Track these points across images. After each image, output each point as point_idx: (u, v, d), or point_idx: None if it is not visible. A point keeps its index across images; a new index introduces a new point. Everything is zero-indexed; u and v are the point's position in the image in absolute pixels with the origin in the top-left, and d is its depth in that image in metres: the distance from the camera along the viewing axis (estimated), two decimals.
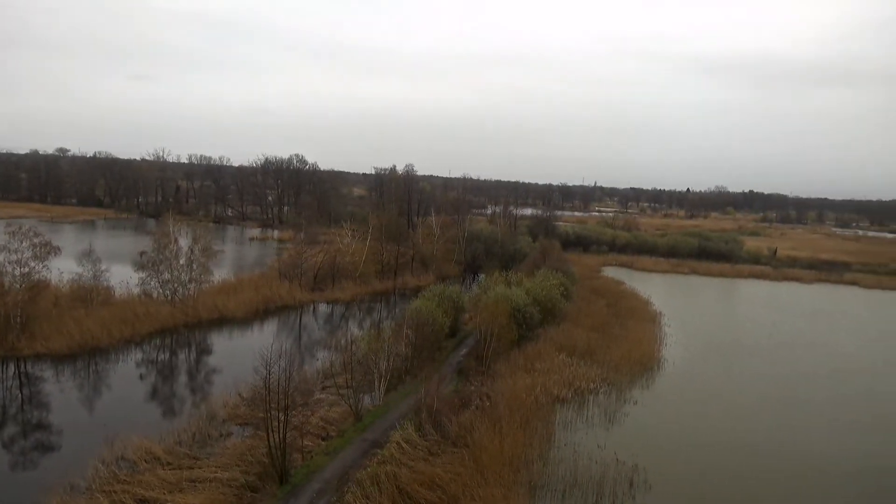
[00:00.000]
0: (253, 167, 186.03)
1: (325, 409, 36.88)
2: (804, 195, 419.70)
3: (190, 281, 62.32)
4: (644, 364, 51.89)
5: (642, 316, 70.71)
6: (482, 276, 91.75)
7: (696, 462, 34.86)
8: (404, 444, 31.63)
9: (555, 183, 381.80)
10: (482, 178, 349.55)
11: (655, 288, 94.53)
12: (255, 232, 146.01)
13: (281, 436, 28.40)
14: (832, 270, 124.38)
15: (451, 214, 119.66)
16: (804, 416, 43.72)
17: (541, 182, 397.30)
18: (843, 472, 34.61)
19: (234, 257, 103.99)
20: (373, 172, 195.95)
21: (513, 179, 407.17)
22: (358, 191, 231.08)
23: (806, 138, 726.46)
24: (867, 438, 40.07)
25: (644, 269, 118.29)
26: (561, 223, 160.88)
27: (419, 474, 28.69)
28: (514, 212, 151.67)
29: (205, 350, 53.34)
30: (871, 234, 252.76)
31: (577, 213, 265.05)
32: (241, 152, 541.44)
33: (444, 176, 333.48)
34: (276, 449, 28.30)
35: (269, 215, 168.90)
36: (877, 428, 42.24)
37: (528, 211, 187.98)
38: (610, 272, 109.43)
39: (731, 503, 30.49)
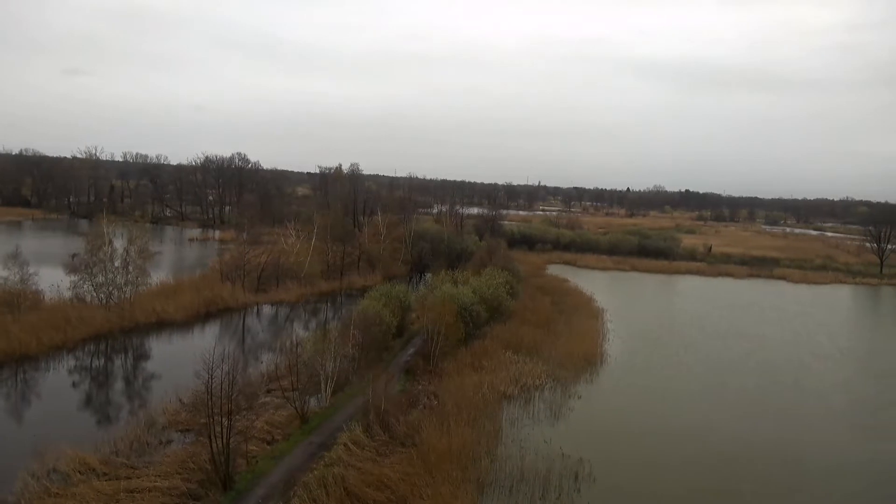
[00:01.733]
0: (192, 166, 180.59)
1: (271, 412, 36.21)
2: (736, 194, 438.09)
3: (126, 284, 59.94)
4: (588, 359, 53.11)
5: (586, 312, 72.35)
6: (429, 275, 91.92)
7: (637, 451, 35.94)
8: (352, 446, 31.39)
9: (500, 182, 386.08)
10: (428, 177, 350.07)
11: (598, 285, 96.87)
12: (196, 232, 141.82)
13: (224, 441, 27.72)
14: (763, 266, 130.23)
15: (397, 214, 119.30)
16: (737, 404, 45.79)
17: (486, 181, 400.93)
18: (774, 458, 36.28)
19: (174, 259, 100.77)
20: (317, 171, 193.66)
21: (459, 179, 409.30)
22: (302, 190, 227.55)
23: (737, 140, 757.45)
24: (792, 425, 42.20)
25: (587, 267, 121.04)
26: (506, 222, 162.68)
27: (367, 475, 28.53)
28: (461, 211, 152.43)
29: (143, 355, 51.48)
30: (797, 231, 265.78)
31: (522, 212, 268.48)
32: (180, 150, 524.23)
33: (390, 175, 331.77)
34: (219, 455, 27.60)
35: (210, 215, 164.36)
36: (800, 415, 44.51)
37: (475, 210, 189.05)
38: (554, 270, 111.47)
39: (671, 489, 31.55)
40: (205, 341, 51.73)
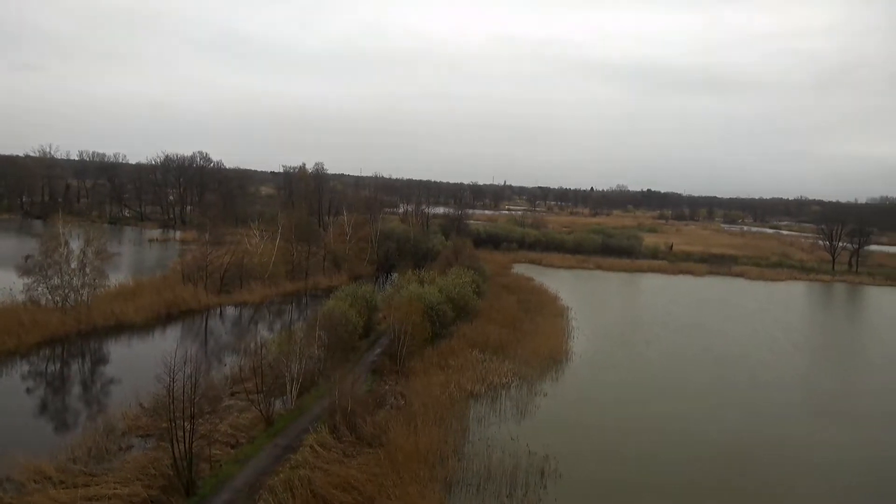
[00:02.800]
0: (152, 165, 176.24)
1: (235, 415, 35.65)
2: (696, 194, 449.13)
3: (83, 286, 58.24)
4: (553, 357, 53.71)
5: (551, 311, 73.12)
6: (395, 274, 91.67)
7: (602, 446, 36.54)
8: (318, 448, 31.12)
9: (466, 182, 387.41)
10: (394, 176, 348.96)
11: (563, 283, 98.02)
12: (156, 233, 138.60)
13: (187, 446, 27.20)
14: (721, 263, 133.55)
15: (363, 213, 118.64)
16: (698, 398, 46.97)
17: (452, 181, 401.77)
18: (732, 449, 37.27)
19: (133, 260, 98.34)
20: (281, 171, 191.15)
21: (424, 178, 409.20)
22: (266, 190, 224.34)
23: (697, 141, 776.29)
24: (750, 417, 43.42)
25: (552, 266, 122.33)
26: (472, 221, 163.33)
27: (334, 477, 28.33)
28: (427, 210, 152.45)
29: (101, 359, 50.10)
30: (754, 229, 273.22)
31: (487, 212, 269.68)
32: (139, 149, 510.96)
33: (356, 175, 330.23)
34: (181, 460, 27.07)
35: (171, 215, 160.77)
36: (757, 407, 45.79)
37: (441, 209, 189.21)
38: (520, 269, 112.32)
39: (635, 482, 32.13)
40: (166, 344, 50.57)
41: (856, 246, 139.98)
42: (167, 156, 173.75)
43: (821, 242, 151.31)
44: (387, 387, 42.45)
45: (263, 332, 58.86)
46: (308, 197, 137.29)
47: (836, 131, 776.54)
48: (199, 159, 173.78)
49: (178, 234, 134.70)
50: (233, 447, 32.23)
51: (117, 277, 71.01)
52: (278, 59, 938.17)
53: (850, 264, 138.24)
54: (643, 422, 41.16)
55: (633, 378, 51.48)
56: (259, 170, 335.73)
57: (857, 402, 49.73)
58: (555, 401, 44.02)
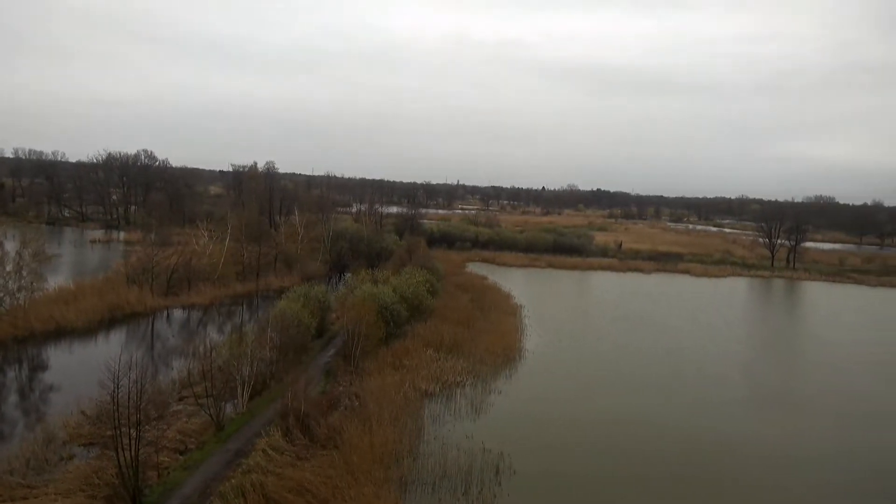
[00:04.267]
0: (93, 163, 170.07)
1: (183, 420, 34.74)
2: (644, 193, 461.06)
3: (19, 290, 55.73)
4: (507, 355, 54.24)
5: (504, 309, 73.80)
6: (349, 274, 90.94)
7: (555, 441, 37.11)
8: (271, 451, 30.61)
9: (419, 181, 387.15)
10: (347, 176, 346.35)
11: (516, 281, 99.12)
12: (98, 234, 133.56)
13: (133, 453, 26.35)
14: (668, 261, 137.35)
15: (315, 213, 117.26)
16: (647, 390, 48.26)
17: (406, 180, 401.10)
18: (684, 443, 38.43)
19: (74, 261, 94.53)
20: (230, 170, 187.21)
21: (378, 178, 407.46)
22: (215, 189, 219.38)
23: (644, 141, 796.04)
24: (696, 407, 44.91)
25: (505, 264, 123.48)
26: (426, 221, 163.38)
27: (287, 480, 27.93)
28: (380, 210, 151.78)
29: (39, 366, 47.95)
30: (699, 228, 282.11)
31: (441, 211, 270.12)
32: (80, 147, 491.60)
33: (308, 174, 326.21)
34: (127, 468, 26.21)
35: (114, 216, 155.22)
36: (702, 398, 47.39)
37: (394, 209, 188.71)
38: (474, 268, 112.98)
39: (587, 476, 32.80)
40: (110, 349, 48.89)
41: (793, 243, 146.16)
42: (109, 154, 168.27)
43: (761, 240, 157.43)
44: (341, 388, 42.06)
45: (213, 334, 57.47)
46: (259, 196, 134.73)
47: (776, 133, 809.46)
48: (143, 158, 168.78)
49: (122, 235, 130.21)
50: (181, 453, 31.40)
51: (57, 280, 68.27)
52: (230, 57, 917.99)
53: (787, 261, 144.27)
54: (595, 415, 42.07)
55: (585, 373, 52.51)
56: (207, 169, 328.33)
57: (797, 394, 51.93)
58: (509, 398, 44.49)
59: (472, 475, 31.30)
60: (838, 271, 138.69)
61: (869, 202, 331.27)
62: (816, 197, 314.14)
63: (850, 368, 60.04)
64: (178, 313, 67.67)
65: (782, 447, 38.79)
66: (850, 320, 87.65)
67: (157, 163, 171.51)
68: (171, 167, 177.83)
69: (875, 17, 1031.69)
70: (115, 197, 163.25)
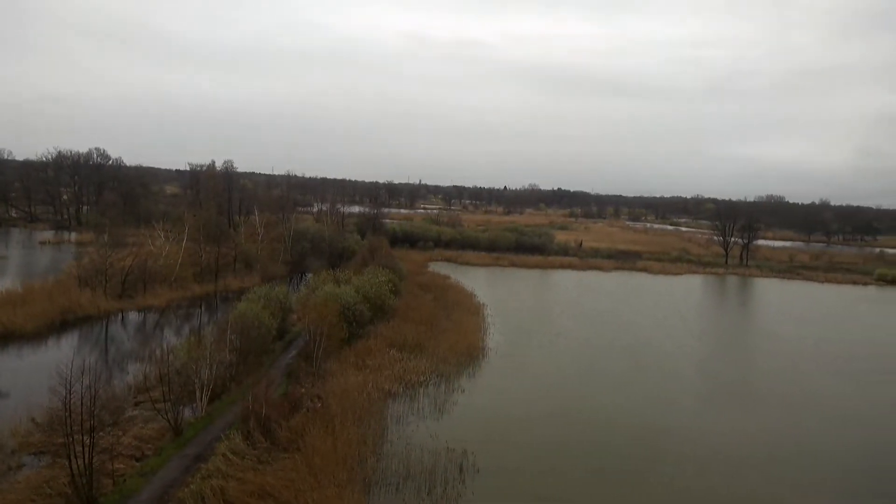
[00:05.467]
0: (43, 162, 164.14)
1: (140, 426, 33.84)
2: (603, 193, 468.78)
3: None
4: (470, 353, 54.50)
5: (467, 308, 74.10)
6: (310, 275, 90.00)
7: (518, 438, 37.48)
8: (231, 456, 30.09)
9: (381, 181, 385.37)
10: (307, 175, 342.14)
11: (478, 280, 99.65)
12: (48, 235, 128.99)
13: (86, 461, 25.58)
14: (627, 259, 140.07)
15: (275, 213, 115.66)
16: (607, 385, 49.18)
17: (368, 180, 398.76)
18: (644, 437, 39.24)
19: (22, 263, 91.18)
20: (187, 169, 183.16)
21: (339, 177, 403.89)
22: (171, 188, 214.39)
23: (603, 141, 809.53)
24: (654, 402, 45.87)
25: (468, 264, 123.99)
26: (388, 220, 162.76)
27: (248, 485, 27.50)
28: (342, 209, 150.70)
29: None
30: (656, 226, 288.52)
31: (403, 211, 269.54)
32: (27, 145, 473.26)
33: (268, 173, 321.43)
34: (80, 476, 25.43)
35: (65, 216, 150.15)
36: (660, 393, 48.46)
37: (356, 208, 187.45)
38: (436, 267, 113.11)
39: (549, 472, 33.17)
40: (61, 353, 47.27)
41: (746, 241, 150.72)
42: (60, 152, 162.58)
43: (715, 238, 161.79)
44: (303, 390, 41.57)
45: (170, 337, 56.12)
46: (217, 196, 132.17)
47: (728, 134, 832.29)
48: (95, 156, 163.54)
49: (74, 236, 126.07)
50: (138, 460, 30.60)
51: (3, 283, 65.82)
52: (187, 54, 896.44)
53: (741, 258, 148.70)
54: (556, 411, 42.61)
55: (547, 369, 53.15)
56: (163, 168, 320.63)
57: (751, 388, 53.53)
58: (472, 396, 44.72)
59: (436, 474, 31.36)
60: (788, 268, 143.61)
61: (816, 201, 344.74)
62: (767, 196, 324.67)
63: (801, 363, 62.17)
64: (133, 316, 65.92)
65: (738, 441, 39.97)
66: (799, 315, 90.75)
67: (111, 161, 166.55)
68: (125, 166, 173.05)
69: (817, 23, 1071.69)
70: (65, 197, 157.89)
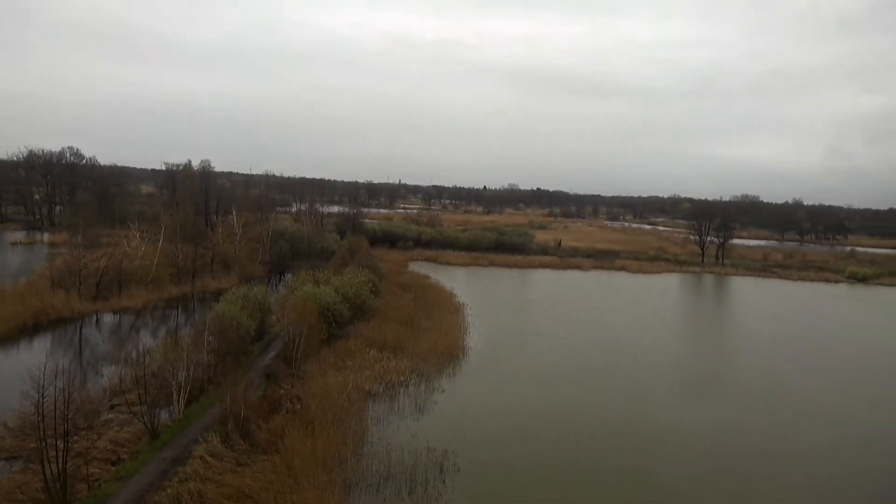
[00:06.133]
0: (13, 161, 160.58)
1: (115, 429, 33.33)
2: (582, 192, 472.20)
3: None
4: (450, 353, 54.54)
5: (447, 307, 74.15)
6: (289, 275, 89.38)
7: (498, 436, 37.66)
8: (209, 458, 29.79)
9: (361, 180, 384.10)
10: (286, 175, 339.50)
11: (458, 280, 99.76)
12: (19, 235, 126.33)
13: (60, 466, 25.16)
14: (606, 258, 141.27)
15: (253, 213, 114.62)
16: (586, 384, 49.55)
17: (347, 179, 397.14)
18: (622, 433, 39.63)
19: None
20: (163, 168, 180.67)
21: (318, 176, 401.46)
22: (147, 188, 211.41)
23: (582, 141, 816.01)
24: (634, 398, 46.38)
25: (448, 263, 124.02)
26: (368, 220, 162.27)
27: (227, 488, 27.25)
28: (321, 209, 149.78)
29: None
30: (634, 226, 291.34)
31: (383, 210, 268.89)
32: None
33: (246, 173, 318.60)
34: (53, 482, 24.99)
35: (37, 216, 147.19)
36: (640, 389, 48.97)
37: (335, 208, 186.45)
38: (416, 267, 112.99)
39: (529, 469, 33.36)
40: (34, 356, 46.40)
41: (721, 240, 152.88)
42: (31, 151, 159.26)
43: (692, 237, 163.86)
44: (282, 391, 41.31)
45: (146, 339, 55.30)
46: (194, 196, 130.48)
47: (705, 134, 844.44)
48: (68, 155, 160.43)
49: (46, 237, 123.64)
50: (113, 464, 30.14)
51: None
52: (163, 53, 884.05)
53: (717, 257, 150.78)
54: (536, 408, 42.90)
55: (526, 368, 53.41)
56: (139, 167, 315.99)
57: (727, 383, 54.37)
58: (452, 396, 44.78)
59: (417, 474, 31.36)
60: (763, 267, 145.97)
61: (790, 201, 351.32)
62: (742, 196, 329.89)
63: (776, 360, 63.22)
64: (108, 318, 64.88)
65: (713, 434, 40.57)
66: (773, 313, 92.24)
67: (84, 161, 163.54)
68: (100, 165, 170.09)
69: (791, 26, 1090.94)
70: (37, 196, 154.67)
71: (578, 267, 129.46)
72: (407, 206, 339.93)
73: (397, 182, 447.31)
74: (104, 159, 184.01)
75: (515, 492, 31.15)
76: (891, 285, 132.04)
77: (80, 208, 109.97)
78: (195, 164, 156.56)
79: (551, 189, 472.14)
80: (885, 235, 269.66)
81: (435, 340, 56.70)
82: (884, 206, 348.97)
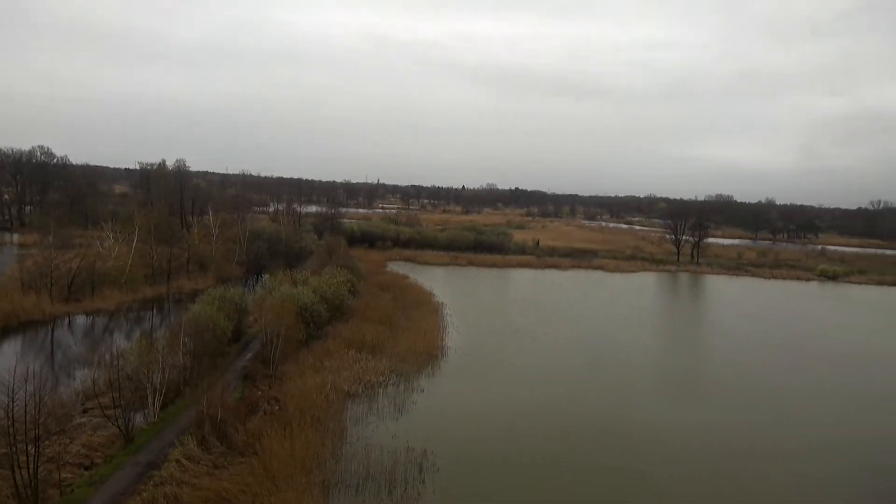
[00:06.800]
0: None
1: (88, 433, 32.70)
2: (559, 192, 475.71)
3: None
4: (429, 352, 54.53)
5: (426, 307, 74.12)
6: (266, 275, 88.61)
7: (477, 435, 37.76)
8: (185, 461, 29.41)
9: (339, 180, 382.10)
10: (263, 174, 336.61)
11: (437, 280, 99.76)
12: None
13: (31, 471, 24.63)
14: (583, 257, 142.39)
15: (230, 213, 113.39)
16: (565, 382, 49.81)
17: (325, 179, 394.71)
18: (601, 430, 39.98)
19: None
20: (137, 168, 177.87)
21: (296, 176, 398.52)
22: (120, 188, 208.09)
23: (560, 142, 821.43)
24: (612, 394, 46.83)
25: (427, 263, 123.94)
26: (346, 220, 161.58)
27: (204, 491, 26.94)
28: (299, 209, 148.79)
29: None
30: (611, 225, 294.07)
31: (361, 210, 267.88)
32: None
33: (222, 172, 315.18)
34: (24, 487, 24.48)
35: (6, 216, 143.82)
36: (619, 386, 49.45)
37: (313, 208, 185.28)
38: (395, 267, 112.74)
39: (507, 466, 33.55)
40: (4, 360, 45.38)
41: (696, 239, 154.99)
42: (0, 150, 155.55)
43: (668, 236, 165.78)
44: (260, 392, 40.94)
45: (120, 341, 54.39)
46: (169, 195, 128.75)
47: (681, 135, 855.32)
48: (39, 154, 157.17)
49: (16, 238, 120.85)
50: (87, 468, 29.60)
51: None
52: (137, 51, 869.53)
53: (692, 256, 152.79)
54: (515, 408, 43.01)
55: (505, 366, 53.60)
56: (112, 167, 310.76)
57: (702, 379, 55.20)
58: (431, 395, 44.77)
59: (396, 475, 31.31)
60: (737, 265, 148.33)
61: (763, 200, 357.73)
62: (717, 195, 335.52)
63: (752, 358, 64.23)
64: (81, 320, 63.68)
65: (689, 430, 41.08)
66: (747, 311, 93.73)
67: (55, 160, 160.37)
68: (72, 165, 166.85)
69: (761, 30, 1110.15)
70: (6, 196, 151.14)
71: (556, 266, 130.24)
72: (385, 205, 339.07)
73: (376, 182, 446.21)
74: (76, 159, 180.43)
75: (495, 490, 31.25)
76: (859, 283, 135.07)
77: (51, 208, 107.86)
78: (170, 163, 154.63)
79: (529, 189, 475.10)
80: (855, 234, 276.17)
81: (414, 340, 56.63)
82: (853, 206, 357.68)
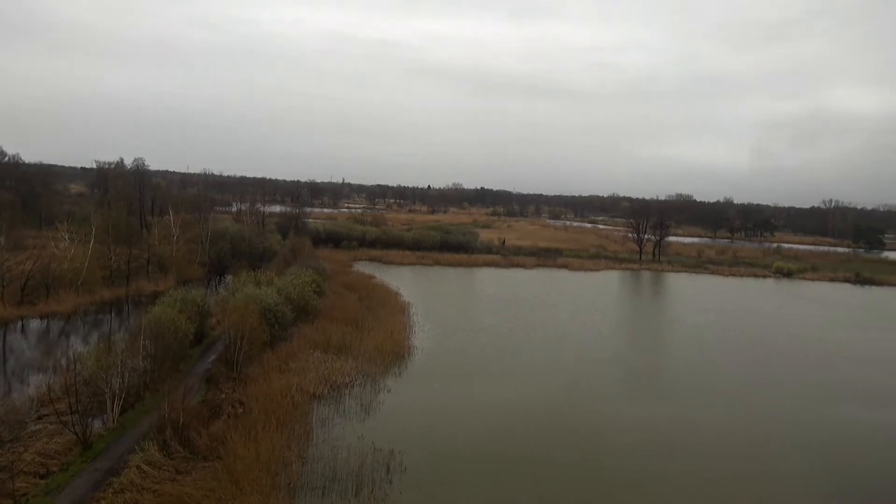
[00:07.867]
0: None
1: (44, 441, 31.72)
2: (524, 191, 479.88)
3: None
4: (396, 352, 54.41)
5: (393, 307, 73.94)
6: (230, 276, 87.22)
7: (444, 433, 37.82)
8: (146, 467, 28.77)
9: (303, 179, 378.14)
10: (225, 174, 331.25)
11: (404, 279, 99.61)
12: None
13: None
14: (548, 256, 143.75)
15: (191, 212, 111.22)
16: (528, 379, 50.27)
17: (289, 178, 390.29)
18: (564, 424, 40.46)
19: None
20: (94, 167, 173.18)
21: (259, 175, 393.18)
22: (76, 187, 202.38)
23: (525, 142, 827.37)
24: (574, 391, 47.37)
25: (393, 263, 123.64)
26: (311, 220, 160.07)
27: (166, 497, 26.41)
28: (262, 209, 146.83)
29: None
30: (575, 224, 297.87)
31: (326, 210, 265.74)
32: None
33: (182, 171, 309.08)
34: None
35: None
36: (582, 386, 50.08)
37: (277, 208, 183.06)
38: (361, 267, 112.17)
39: (477, 465, 33.66)
40: None
41: (658, 238, 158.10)
42: None
43: (630, 235, 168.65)
44: (223, 395, 40.26)
45: (77, 345, 52.94)
46: (127, 195, 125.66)
47: (643, 135, 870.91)
48: None
49: None
50: (42, 477, 28.70)
51: None
52: (93, 46, 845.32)
53: (653, 254, 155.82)
54: (482, 405, 43.21)
55: (471, 364, 53.84)
56: (67, 165, 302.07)
57: (664, 375, 56.26)
58: (399, 395, 44.69)
59: (363, 476, 31.17)
60: (697, 263, 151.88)
61: (721, 200, 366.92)
62: (677, 195, 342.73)
63: (711, 354, 65.84)
64: (35, 324, 61.70)
65: (654, 427, 41.88)
66: (707, 307, 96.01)
67: (6, 158, 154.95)
68: (24, 163, 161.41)
69: (713, 34, 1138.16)
70: None
71: (522, 265, 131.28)
72: (351, 205, 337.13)
73: (341, 181, 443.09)
74: (29, 157, 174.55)
75: (463, 488, 31.36)
76: (812, 280, 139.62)
77: (2, 208, 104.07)
78: (128, 162, 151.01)
79: (495, 188, 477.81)
80: (808, 232, 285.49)
81: (381, 340, 56.44)
82: (806, 205, 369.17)
